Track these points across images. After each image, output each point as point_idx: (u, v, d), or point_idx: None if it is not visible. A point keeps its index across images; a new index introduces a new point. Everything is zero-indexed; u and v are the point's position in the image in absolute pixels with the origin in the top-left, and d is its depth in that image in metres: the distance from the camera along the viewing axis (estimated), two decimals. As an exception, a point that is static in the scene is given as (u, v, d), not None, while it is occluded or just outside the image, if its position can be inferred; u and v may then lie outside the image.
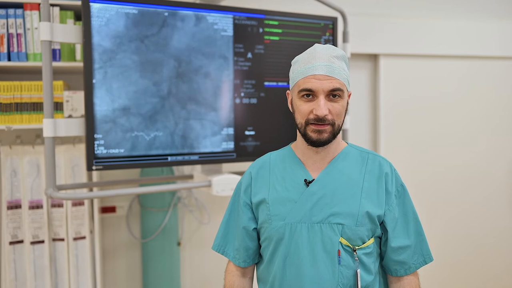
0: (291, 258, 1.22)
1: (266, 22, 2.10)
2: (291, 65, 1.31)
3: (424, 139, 3.04)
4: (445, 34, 2.99)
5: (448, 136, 3.08)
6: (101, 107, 1.80)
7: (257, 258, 1.37)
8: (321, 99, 1.17)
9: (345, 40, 2.37)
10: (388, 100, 2.96)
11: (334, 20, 2.24)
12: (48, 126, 1.73)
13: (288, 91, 1.33)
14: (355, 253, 1.20)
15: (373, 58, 2.99)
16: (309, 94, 1.19)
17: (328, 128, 1.19)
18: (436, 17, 3.01)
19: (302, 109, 1.20)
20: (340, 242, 1.19)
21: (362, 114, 3.01)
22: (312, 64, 1.20)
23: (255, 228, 1.32)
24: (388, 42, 2.90)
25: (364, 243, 1.21)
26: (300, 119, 1.22)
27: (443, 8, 3.04)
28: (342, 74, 1.20)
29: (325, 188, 1.23)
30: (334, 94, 1.18)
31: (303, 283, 1.20)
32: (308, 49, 1.26)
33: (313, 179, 1.25)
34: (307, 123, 1.20)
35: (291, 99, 1.29)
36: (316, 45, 1.26)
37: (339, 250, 1.19)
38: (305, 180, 1.25)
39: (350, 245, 1.20)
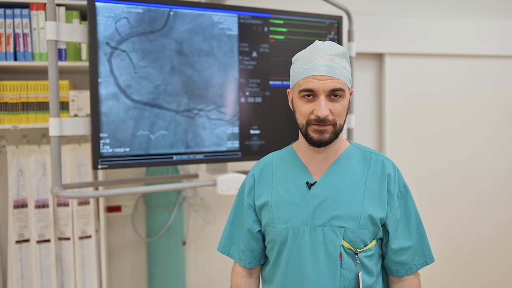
0: (294, 261, 1.22)
1: (271, 21, 2.09)
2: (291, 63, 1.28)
3: (429, 137, 3.02)
4: (449, 33, 2.97)
5: (452, 135, 3.06)
6: (107, 106, 1.81)
7: (263, 259, 1.36)
8: (322, 100, 1.15)
9: (350, 39, 2.36)
10: (393, 99, 2.95)
11: (339, 19, 2.23)
12: (54, 125, 1.74)
13: (288, 90, 1.31)
14: (357, 256, 1.19)
15: (378, 57, 2.98)
16: (309, 94, 1.17)
17: (329, 128, 1.17)
18: (440, 16, 2.99)
19: (302, 110, 1.19)
20: (342, 245, 1.18)
21: (368, 113, 3.00)
22: (313, 64, 1.18)
23: (259, 230, 1.32)
24: (393, 41, 2.88)
25: (366, 245, 1.20)
26: (301, 120, 1.21)
27: (447, 7, 3.03)
28: (343, 73, 1.18)
29: (327, 190, 1.22)
30: (335, 94, 1.17)
31: (305, 286, 1.20)
32: (309, 47, 1.23)
33: (315, 182, 1.24)
34: (308, 123, 1.18)
35: (292, 98, 1.27)
36: (317, 42, 1.23)
37: (341, 253, 1.18)
38: (307, 183, 1.24)
39: (352, 248, 1.19)
